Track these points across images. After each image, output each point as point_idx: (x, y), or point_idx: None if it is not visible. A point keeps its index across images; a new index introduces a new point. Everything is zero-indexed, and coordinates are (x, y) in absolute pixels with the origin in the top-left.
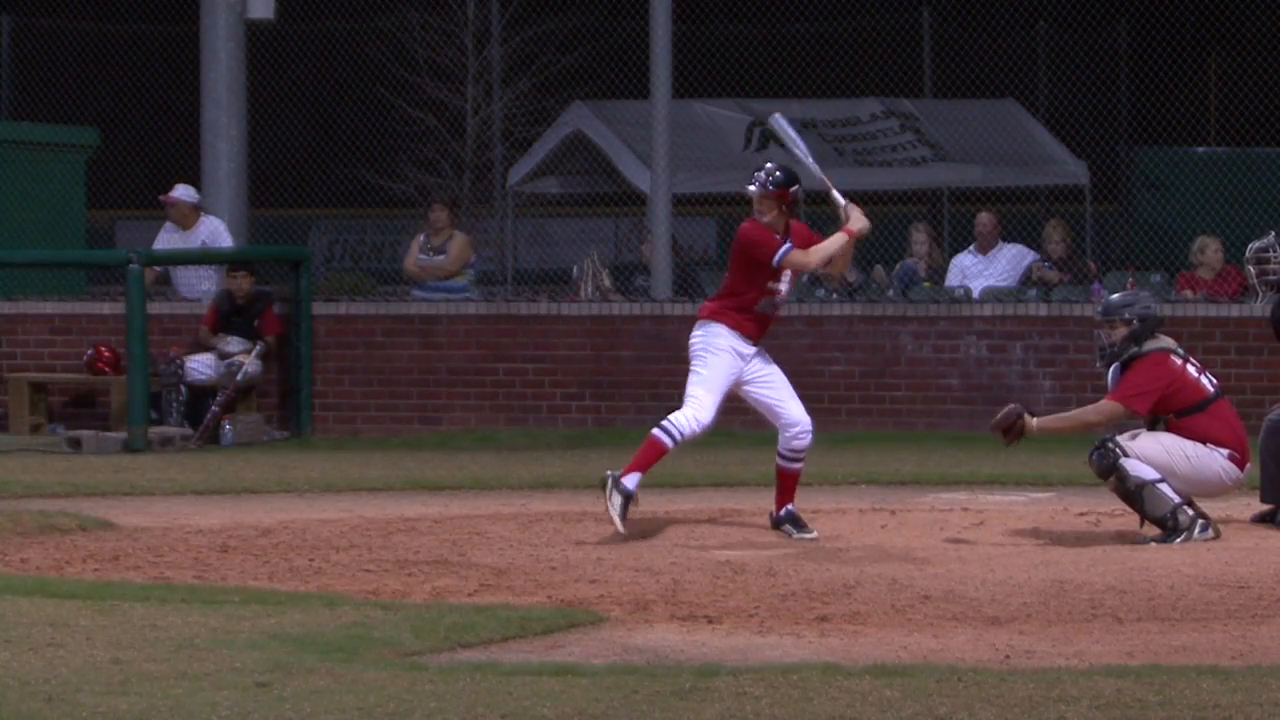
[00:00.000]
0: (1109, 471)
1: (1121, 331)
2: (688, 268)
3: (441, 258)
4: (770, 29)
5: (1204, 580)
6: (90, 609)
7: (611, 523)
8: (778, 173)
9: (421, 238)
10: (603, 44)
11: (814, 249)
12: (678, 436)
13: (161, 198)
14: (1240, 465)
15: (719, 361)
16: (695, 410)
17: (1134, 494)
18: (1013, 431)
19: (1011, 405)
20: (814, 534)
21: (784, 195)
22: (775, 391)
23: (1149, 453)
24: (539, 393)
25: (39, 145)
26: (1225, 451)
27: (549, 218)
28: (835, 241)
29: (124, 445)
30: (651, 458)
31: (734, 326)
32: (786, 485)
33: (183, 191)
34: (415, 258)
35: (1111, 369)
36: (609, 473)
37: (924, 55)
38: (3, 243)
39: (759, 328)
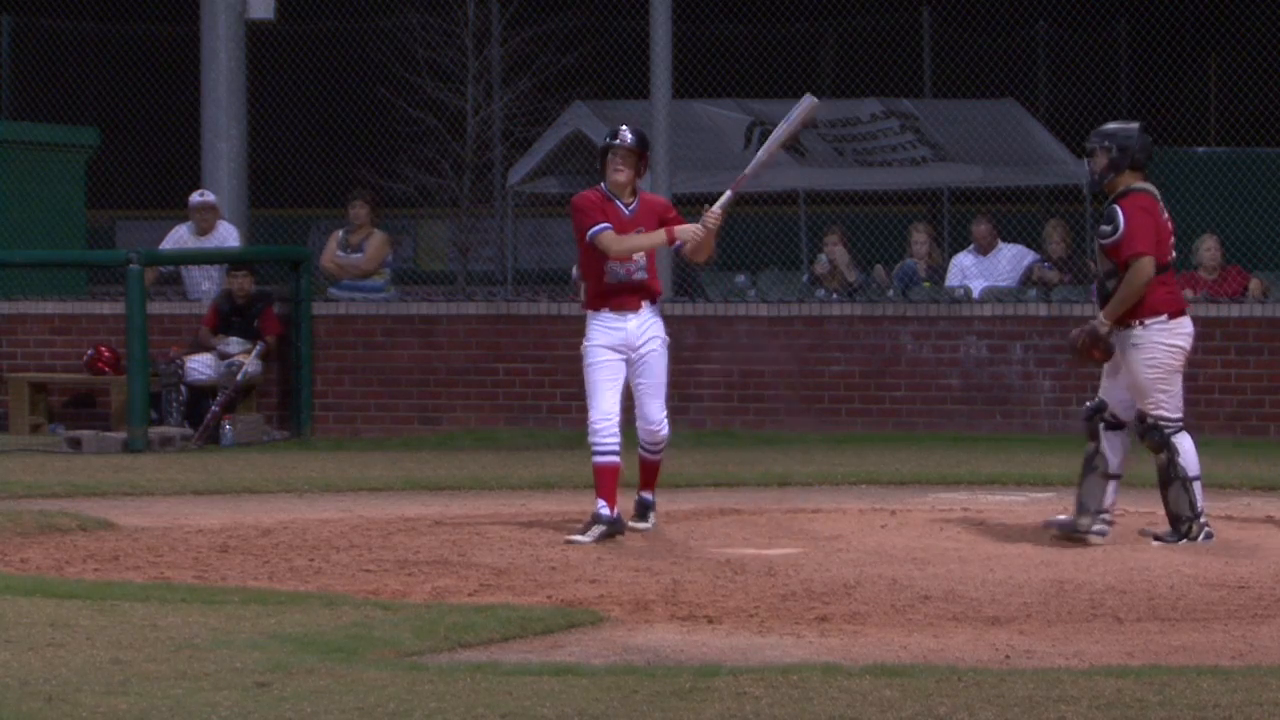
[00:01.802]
0: (1161, 447)
1: (1102, 161)
2: (688, 268)
3: (358, 256)
4: (770, 29)
5: (1204, 580)
6: (90, 609)
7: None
8: (638, 132)
9: (340, 234)
10: (603, 44)
11: (625, 239)
12: (601, 449)
13: (193, 201)
14: (1179, 314)
15: (591, 359)
16: (590, 419)
17: (1169, 479)
18: (1097, 349)
19: (1075, 331)
20: (649, 524)
21: (642, 156)
22: (642, 386)
23: (1139, 388)
24: (539, 393)
25: (39, 145)
26: (1162, 317)
27: (549, 218)
28: (648, 239)
29: (124, 445)
30: (605, 481)
31: (596, 309)
32: (646, 473)
33: (209, 196)
34: (332, 254)
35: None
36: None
37: (924, 55)
38: (3, 243)
39: (623, 300)
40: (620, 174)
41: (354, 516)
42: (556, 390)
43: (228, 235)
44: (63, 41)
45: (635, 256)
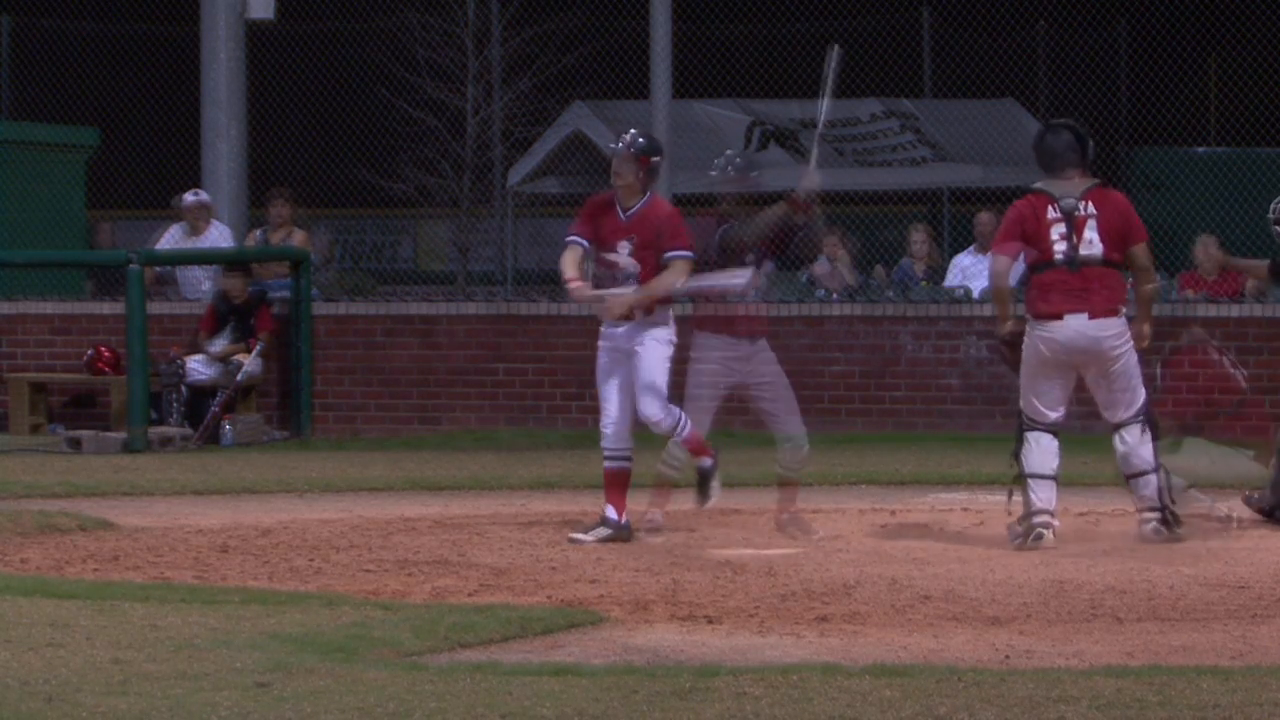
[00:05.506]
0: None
1: None
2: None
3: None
4: (770, 29)
5: (1204, 580)
6: (90, 609)
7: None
8: (640, 139)
9: (258, 234)
10: (603, 44)
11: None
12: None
13: (188, 201)
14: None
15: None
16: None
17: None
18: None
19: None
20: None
21: (644, 161)
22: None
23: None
24: (539, 393)
25: (39, 145)
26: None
27: (549, 218)
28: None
29: (124, 445)
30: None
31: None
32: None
33: (203, 196)
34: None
35: None
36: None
37: (924, 55)
38: (3, 243)
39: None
40: (620, 180)
41: (354, 516)
42: (556, 390)
43: (221, 236)
44: (63, 41)
45: (621, 264)
